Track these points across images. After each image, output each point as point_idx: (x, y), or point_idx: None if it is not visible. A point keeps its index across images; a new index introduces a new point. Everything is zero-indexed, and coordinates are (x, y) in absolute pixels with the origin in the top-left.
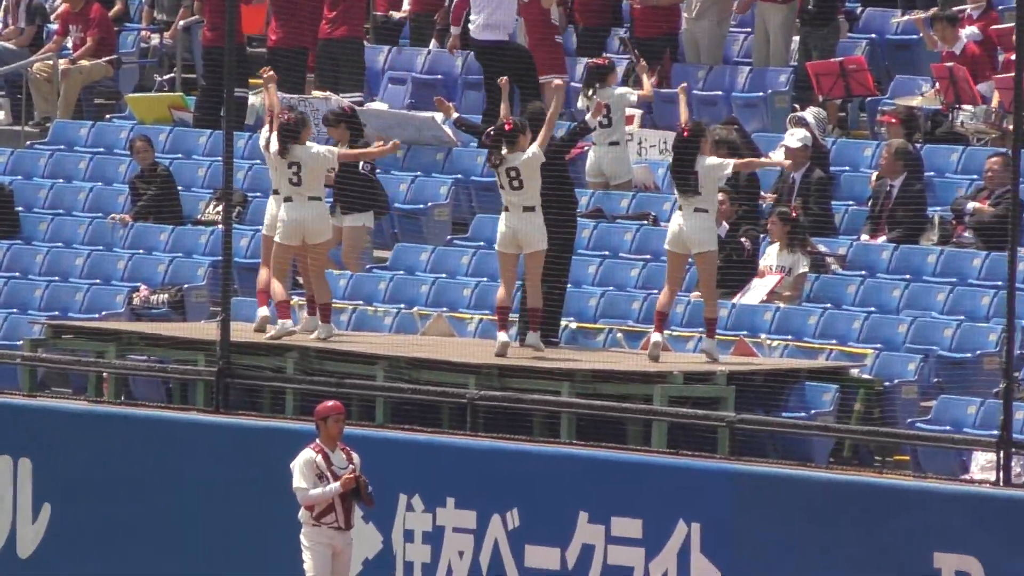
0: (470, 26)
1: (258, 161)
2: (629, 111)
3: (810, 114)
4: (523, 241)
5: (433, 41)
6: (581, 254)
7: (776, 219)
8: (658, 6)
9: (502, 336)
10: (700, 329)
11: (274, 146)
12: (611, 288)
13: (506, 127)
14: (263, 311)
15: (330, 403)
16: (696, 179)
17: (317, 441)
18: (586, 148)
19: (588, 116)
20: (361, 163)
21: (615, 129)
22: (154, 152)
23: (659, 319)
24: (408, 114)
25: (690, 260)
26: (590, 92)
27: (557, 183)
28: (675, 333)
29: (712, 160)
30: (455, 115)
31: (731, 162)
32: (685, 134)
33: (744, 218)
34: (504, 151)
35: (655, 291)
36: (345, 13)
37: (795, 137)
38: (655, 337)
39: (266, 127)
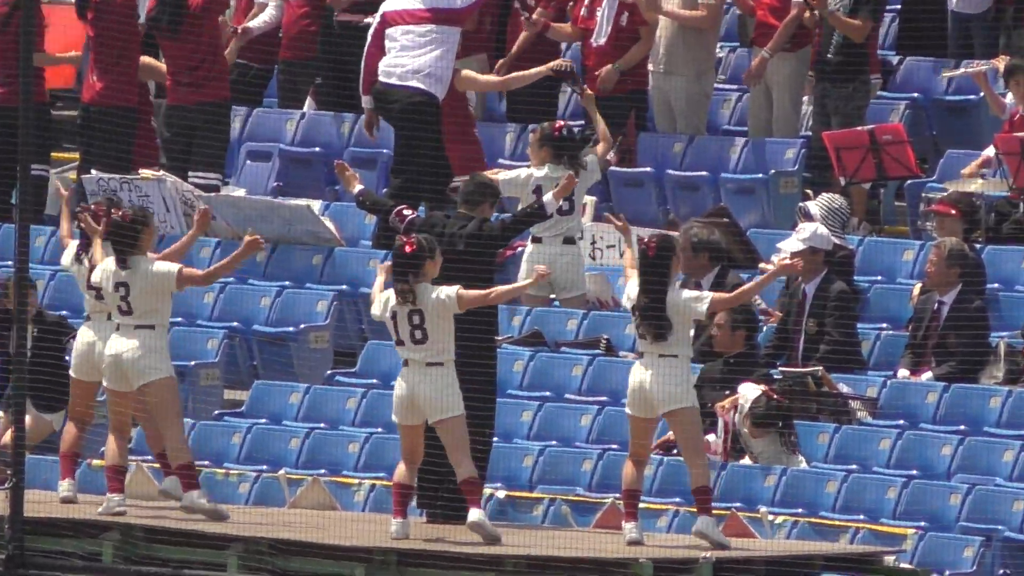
0: (384, 69)
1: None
2: (585, 197)
3: (817, 204)
4: (427, 408)
5: (308, 100)
6: (512, 396)
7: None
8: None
9: (396, 523)
10: (676, 500)
11: (100, 262)
12: (553, 443)
13: (407, 248)
14: (65, 484)
15: None
16: (664, 319)
17: None
18: (520, 248)
19: (549, 196)
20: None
21: (574, 218)
22: None
23: (629, 501)
24: (273, 202)
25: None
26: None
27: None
28: (642, 505)
29: (686, 294)
30: (358, 187)
31: (709, 296)
32: (650, 253)
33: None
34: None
35: (614, 446)
36: (208, 70)
37: (800, 236)
38: (629, 529)
39: (70, 240)
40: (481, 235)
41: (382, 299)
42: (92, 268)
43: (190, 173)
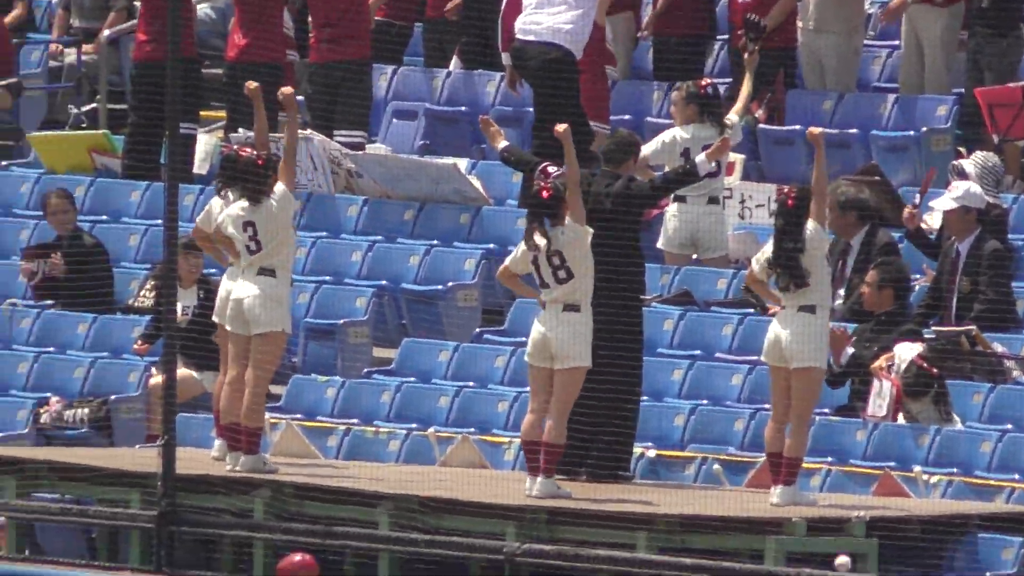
0: (521, 27)
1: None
2: (731, 155)
3: (972, 162)
4: (558, 352)
5: (455, 59)
6: (661, 355)
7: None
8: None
9: (529, 481)
10: (829, 459)
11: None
12: (704, 402)
13: (543, 194)
14: (217, 444)
15: (297, 558)
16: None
17: None
18: (664, 207)
19: (702, 157)
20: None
21: (719, 179)
22: (76, 213)
23: (772, 463)
24: (420, 160)
25: None
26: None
27: (624, 253)
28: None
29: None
30: (503, 143)
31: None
32: (790, 203)
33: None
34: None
35: (765, 406)
36: (350, 27)
37: (953, 195)
38: (774, 493)
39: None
40: (629, 194)
41: (517, 253)
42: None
43: (335, 132)
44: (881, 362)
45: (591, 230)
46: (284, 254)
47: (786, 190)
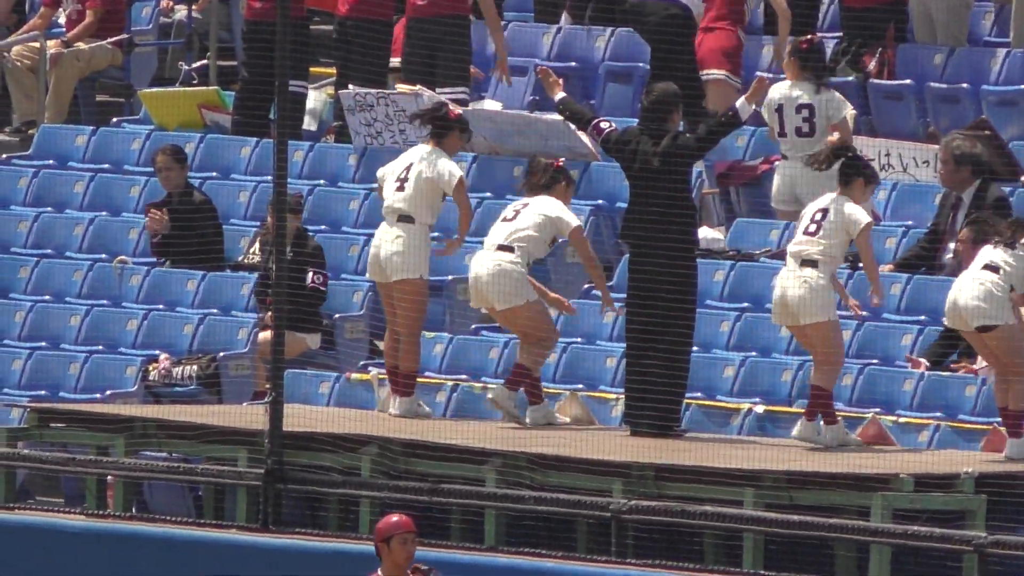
0: None
1: (322, 183)
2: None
3: None
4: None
5: (565, 15)
6: (769, 310)
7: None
8: None
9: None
10: (937, 414)
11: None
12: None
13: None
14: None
15: (395, 518)
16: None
17: (377, 572)
18: (777, 162)
19: (742, 100)
20: (311, 274)
21: (818, 138)
22: (186, 171)
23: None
24: (529, 116)
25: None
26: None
27: (679, 203)
28: (902, 419)
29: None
30: (560, 94)
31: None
32: None
33: None
34: None
35: (874, 362)
36: None
37: None
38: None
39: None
40: (676, 151)
41: None
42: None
43: (436, 88)
44: None
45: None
46: (429, 208)
47: None
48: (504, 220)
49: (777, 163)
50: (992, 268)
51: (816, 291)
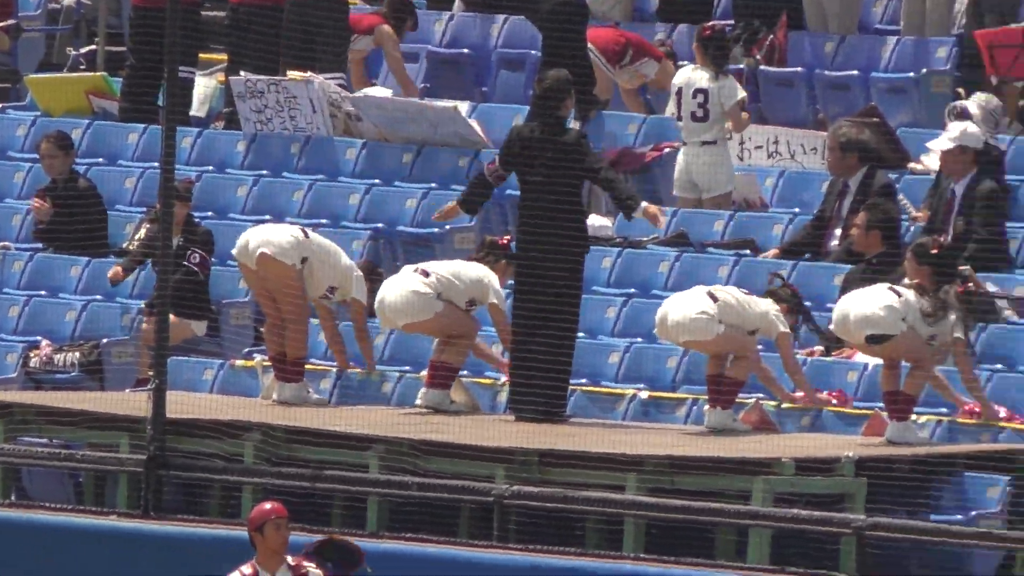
0: None
1: (211, 169)
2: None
3: (975, 103)
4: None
5: (457, 2)
6: (656, 296)
7: (911, 255)
8: None
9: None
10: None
11: None
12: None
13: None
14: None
15: (267, 505)
16: None
17: (252, 562)
18: (667, 149)
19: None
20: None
21: (712, 124)
22: (71, 158)
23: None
24: (420, 103)
25: None
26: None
27: (568, 192)
28: (785, 404)
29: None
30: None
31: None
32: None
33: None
34: None
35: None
36: None
37: (950, 135)
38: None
39: None
40: (578, 155)
41: None
42: None
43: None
44: None
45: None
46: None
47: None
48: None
49: (669, 149)
50: (895, 292)
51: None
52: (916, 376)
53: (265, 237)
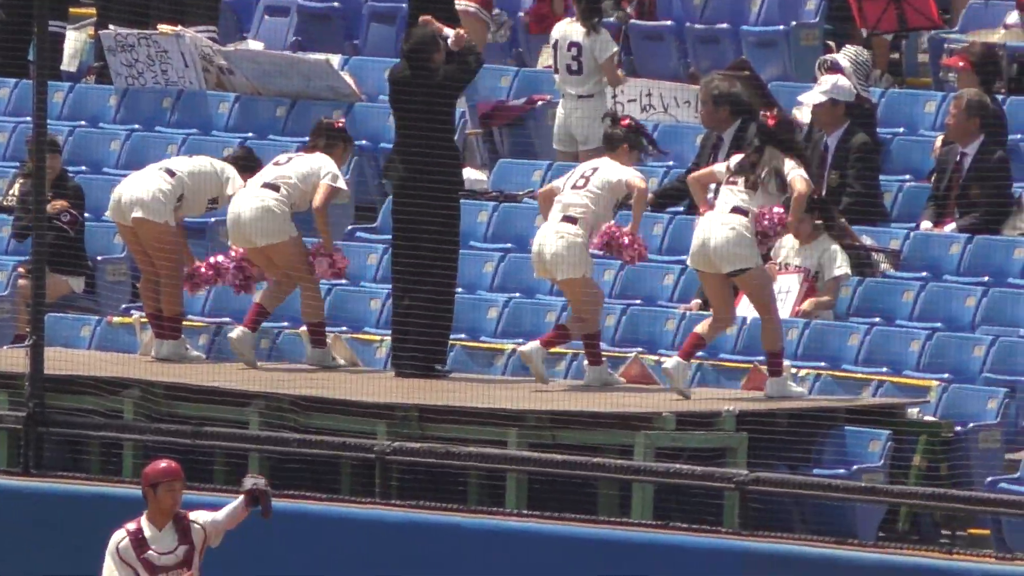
0: None
1: (83, 123)
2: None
3: (845, 56)
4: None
5: None
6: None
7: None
8: None
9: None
10: (700, 354)
11: None
12: (638, 302)
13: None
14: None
15: (162, 464)
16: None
17: (143, 516)
18: (540, 103)
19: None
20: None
21: (587, 77)
22: None
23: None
24: (292, 56)
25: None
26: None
27: (442, 143)
28: (664, 358)
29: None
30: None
31: None
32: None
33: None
34: None
35: (636, 301)
36: None
37: (821, 88)
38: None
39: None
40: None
41: None
42: None
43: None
44: (772, 266)
45: None
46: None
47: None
48: (275, 164)
49: (542, 101)
50: (740, 211)
51: (572, 247)
52: (767, 329)
53: (135, 195)
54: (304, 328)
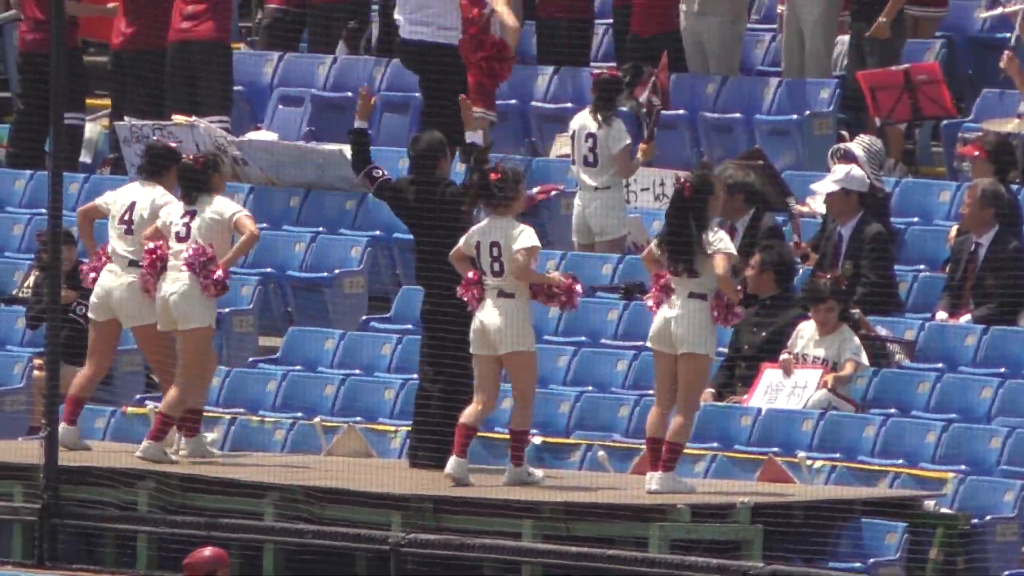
0: (398, 19)
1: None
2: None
3: (859, 145)
4: (498, 339)
5: (341, 44)
6: (548, 341)
7: (815, 289)
8: None
9: (453, 463)
10: (714, 444)
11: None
12: (589, 389)
13: (492, 176)
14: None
15: (207, 551)
16: (696, 254)
17: None
18: (554, 192)
19: (470, 132)
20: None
21: (603, 169)
22: None
23: (651, 449)
24: (306, 147)
25: None
26: (602, 118)
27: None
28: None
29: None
30: (362, 123)
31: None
32: (686, 193)
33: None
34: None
35: (649, 392)
36: (209, 5)
37: (834, 177)
38: (649, 479)
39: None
40: (443, 205)
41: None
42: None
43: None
44: (790, 359)
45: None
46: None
47: (683, 178)
48: (178, 239)
49: (556, 192)
50: (699, 296)
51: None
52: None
53: (114, 300)
54: (319, 419)
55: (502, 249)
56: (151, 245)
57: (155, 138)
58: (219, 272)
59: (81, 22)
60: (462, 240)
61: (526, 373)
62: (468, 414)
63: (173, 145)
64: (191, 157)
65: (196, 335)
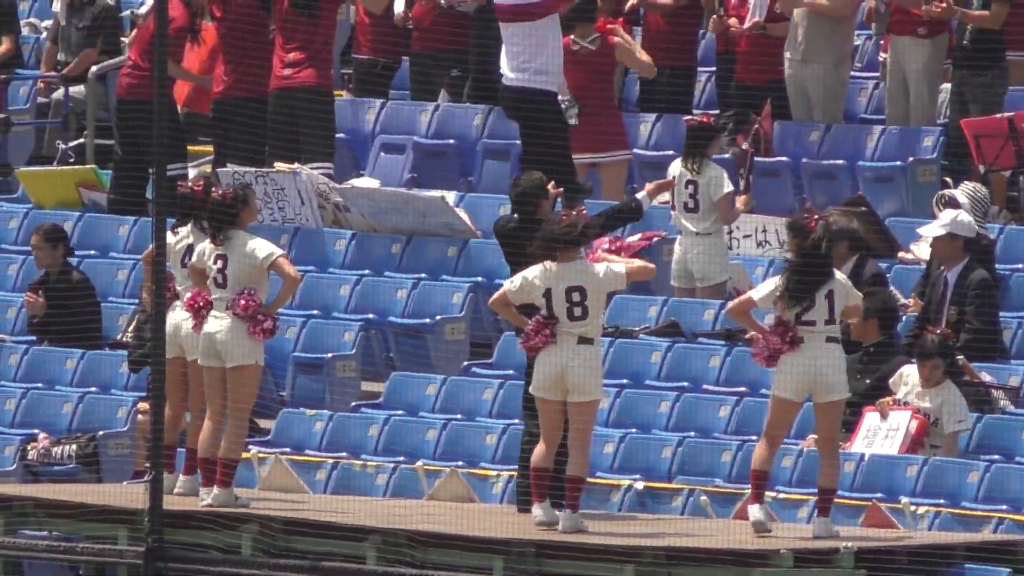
0: (501, 66)
1: None
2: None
3: (963, 192)
4: (572, 385)
5: (443, 92)
6: (649, 387)
7: (923, 345)
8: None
9: (538, 510)
10: (815, 490)
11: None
12: (692, 434)
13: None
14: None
15: None
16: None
17: None
18: (655, 239)
19: (643, 194)
20: None
21: (704, 215)
22: (60, 250)
23: (756, 482)
24: (407, 194)
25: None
26: (694, 165)
27: None
28: (781, 495)
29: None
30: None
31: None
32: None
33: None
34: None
35: (752, 437)
36: (310, 53)
37: (941, 222)
38: (754, 511)
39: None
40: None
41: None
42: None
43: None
44: (887, 401)
45: (622, 273)
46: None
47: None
48: (216, 285)
49: (657, 238)
50: (834, 340)
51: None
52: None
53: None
54: (421, 463)
55: (587, 293)
56: (188, 294)
57: (180, 183)
58: (268, 322)
59: (179, 96)
60: (511, 285)
61: (592, 419)
62: (540, 456)
63: (198, 187)
64: (219, 192)
65: (246, 373)
